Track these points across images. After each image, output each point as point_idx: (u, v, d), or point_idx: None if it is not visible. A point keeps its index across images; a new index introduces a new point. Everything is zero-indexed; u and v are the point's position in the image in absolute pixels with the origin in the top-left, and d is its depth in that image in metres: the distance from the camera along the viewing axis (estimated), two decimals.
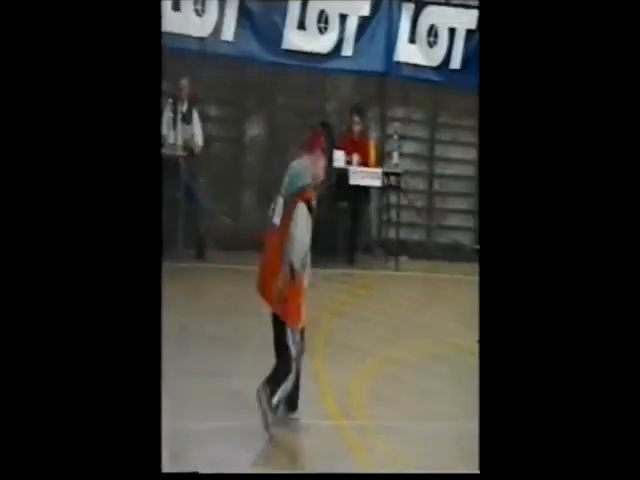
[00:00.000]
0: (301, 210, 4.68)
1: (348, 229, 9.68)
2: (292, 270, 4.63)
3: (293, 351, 4.69)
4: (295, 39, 9.95)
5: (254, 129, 10.11)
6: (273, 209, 4.85)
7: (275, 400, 4.61)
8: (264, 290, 4.79)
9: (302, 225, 4.66)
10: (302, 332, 4.78)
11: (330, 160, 5.11)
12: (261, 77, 10.04)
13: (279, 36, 9.86)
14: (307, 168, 4.88)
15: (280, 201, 4.81)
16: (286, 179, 4.88)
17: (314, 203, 4.78)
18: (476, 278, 9.83)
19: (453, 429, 5.04)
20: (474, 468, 4.55)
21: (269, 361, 5.82)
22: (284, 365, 4.69)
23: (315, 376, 5.60)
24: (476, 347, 7.17)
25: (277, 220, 4.77)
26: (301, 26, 9.97)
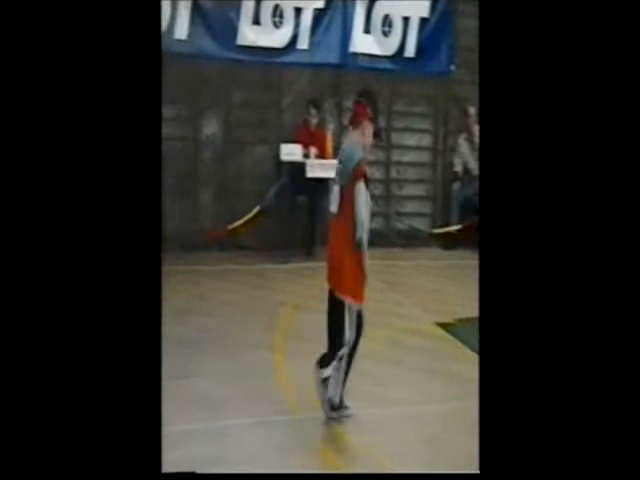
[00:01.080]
0: (359, 188, 4.88)
1: (307, 222, 9.78)
2: (359, 248, 4.86)
3: (347, 333, 4.95)
4: (250, 34, 9.97)
5: (210, 127, 10.09)
6: (331, 199, 5.02)
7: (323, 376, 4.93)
8: (331, 278, 5.03)
9: (362, 203, 4.87)
10: (360, 316, 5.00)
11: (376, 124, 5.13)
12: (216, 74, 10.03)
13: (233, 32, 9.85)
14: (356, 144, 5.02)
15: (336, 189, 4.98)
16: (339, 166, 5.03)
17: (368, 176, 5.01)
18: (434, 263, 9.96)
19: (413, 414, 5.18)
20: (435, 453, 4.73)
21: (233, 361, 5.92)
22: (337, 347, 4.97)
23: (275, 371, 5.77)
24: (436, 330, 7.32)
25: (334, 208, 4.96)
26: (256, 21, 9.99)
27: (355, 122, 5.06)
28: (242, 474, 4.19)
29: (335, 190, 4.97)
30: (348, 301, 4.96)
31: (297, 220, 9.85)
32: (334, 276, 5.02)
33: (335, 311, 5.03)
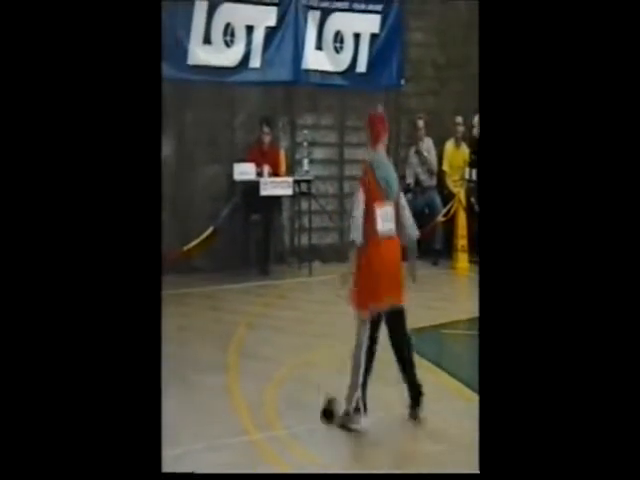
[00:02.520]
0: (404, 200, 5.23)
1: (261, 241, 9.83)
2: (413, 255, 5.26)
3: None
4: (201, 54, 9.94)
5: (164, 149, 10.01)
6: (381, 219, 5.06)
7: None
8: (392, 293, 5.18)
9: (409, 212, 5.22)
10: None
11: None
12: (167, 95, 10.02)
13: (184, 52, 9.80)
14: (389, 161, 5.20)
15: (389, 209, 5.04)
16: (386, 188, 5.06)
17: None
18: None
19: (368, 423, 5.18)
20: (386, 456, 4.84)
21: (187, 386, 5.87)
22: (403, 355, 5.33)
23: (229, 391, 5.78)
24: (386, 342, 7.41)
25: (392, 229, 5.08)
26: (207, 40, 9.96)
27: (378, 139, 5.08)
28: (242, 474, 4.22)
29: (388, 211, 5.05)
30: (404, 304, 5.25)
31: (251, 239, 9.92)
32: (395, 290, 5.21)
33: (397, 323, 5.34)
